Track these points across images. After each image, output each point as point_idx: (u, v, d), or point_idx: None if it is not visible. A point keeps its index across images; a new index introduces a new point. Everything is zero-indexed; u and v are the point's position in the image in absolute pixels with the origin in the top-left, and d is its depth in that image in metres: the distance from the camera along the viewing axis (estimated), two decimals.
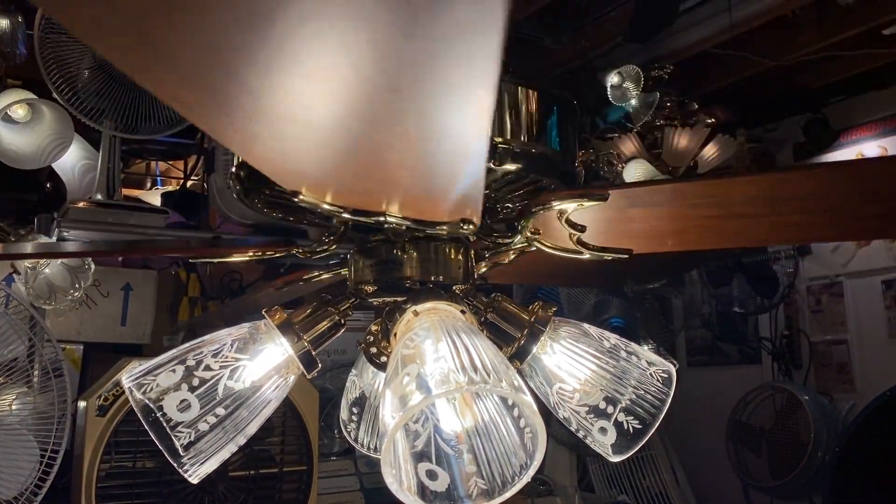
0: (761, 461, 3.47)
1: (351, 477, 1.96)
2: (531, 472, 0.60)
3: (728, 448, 3.49)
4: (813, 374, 3.62)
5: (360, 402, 0.97)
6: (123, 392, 1.47)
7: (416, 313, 0.70)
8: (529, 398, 0.58)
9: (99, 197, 1.83)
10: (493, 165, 0.74)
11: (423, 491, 0.62)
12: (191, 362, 0.74)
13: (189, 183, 3.26)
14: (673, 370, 0.82)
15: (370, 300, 0.83)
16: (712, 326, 4.05)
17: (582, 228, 0.77)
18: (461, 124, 0.51)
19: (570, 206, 0.74)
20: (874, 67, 3.19)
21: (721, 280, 3.77)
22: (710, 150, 2.90)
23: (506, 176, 0.78)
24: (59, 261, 1.74)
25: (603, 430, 0.80)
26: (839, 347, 3.63)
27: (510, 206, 0.83)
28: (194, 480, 0.75)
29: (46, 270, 1.73)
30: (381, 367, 0.90)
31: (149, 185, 3.81)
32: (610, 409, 0.80)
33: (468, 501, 0.62)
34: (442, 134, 0.53)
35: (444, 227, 0.70)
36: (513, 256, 0.89)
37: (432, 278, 0.80)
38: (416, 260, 0.79)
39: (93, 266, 1.78)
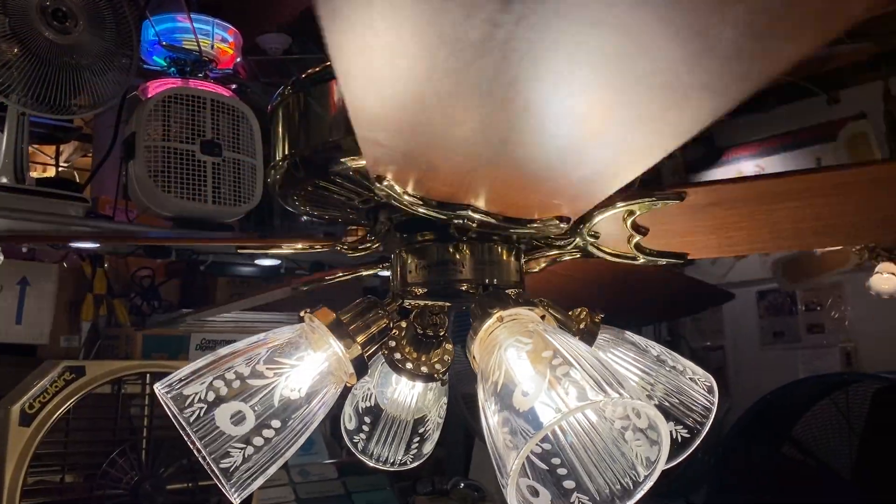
0: None
1: (285, 487, 1.86)
2: (648, 484, 0.58)
3: None
4: None
5: (374, 411, 0.91)
6: (50, 399, 1.32)
7: (501, 319, 0.66)
8: (656, 409, 0.56)
9: (5, 180, 1.64)
10: None
11: None
12: (241, 369, 0.66)
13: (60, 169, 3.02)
14: (713, 380, 0.82)
15: (416, 302, 0.78)
16: None
17: (644, 231, 0.75)
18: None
19: (639, 208, 0.72)
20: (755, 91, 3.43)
21: None
22: None
23: None
24: None
25: None
26: (716, 353, 3.86)
27: None
28: (237, 501, 0.67)
29: None
30: (408, 374, 0.84)
31: None
32: None
33: None
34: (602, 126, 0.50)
35: (535, 225, 0.66)
36: (544, 264, 0.87)
37: (487, 281, 0.76)
38: (472, 262, 0.75)
39: (1, 257, 1.59)
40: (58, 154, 3.20)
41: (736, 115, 3.69)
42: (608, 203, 0.73)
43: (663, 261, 0.79)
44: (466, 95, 0.45)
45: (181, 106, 1.90)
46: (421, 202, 0.63)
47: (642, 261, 0.78)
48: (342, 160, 0.67)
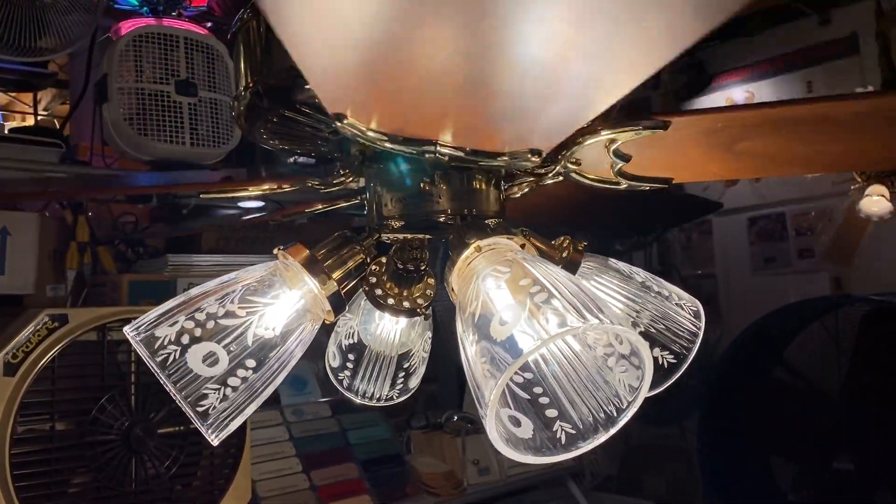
0: None
1: (279, 427, 1.87)
2: (631, 411, 0.57)
3: None
4: None
5: (357, 348, 0.90)
6: (34, 348, 1.31)
7: (479, 249, 0.64)
8: (637, 334, 0.55)
9: None
10: None
11: (510, 439, 0.57)
12: (212, 309, 0.65)
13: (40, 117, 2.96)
14: (699, 304, 0.81)
15: (395, 236, 0.76)
16: None
17: (627, 158, 0.73)
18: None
19: (623, 136, 0.70)
20: (745, 14, 3.36)
21: None
22: None
23: None
24: None
25: None
26: (708, 281, 3.86)
27: None
28: (215, 441, 0.66)
29: None
30: (390, 310, 0.83)
31: None
32: None
33: (558, 446, 0.58)
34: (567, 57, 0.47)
35: (505, 159, 0.64)
36: (527, 189, 0.84)
37: (466, 211, 0.73)
38: (450, 192, 0.72)
39: None
40: (35, 102, 3.12)
41: (725, 40, 3.61)
42: (590, 132, 0.70)
43: (646, 186, 0.76)
44: (425, 28, 0.42)
45: (153, 45, 1.85)
46: (386, 138, 0.61)
47: (625, 186, 0.76)
48: (306, 86, 0.64)
